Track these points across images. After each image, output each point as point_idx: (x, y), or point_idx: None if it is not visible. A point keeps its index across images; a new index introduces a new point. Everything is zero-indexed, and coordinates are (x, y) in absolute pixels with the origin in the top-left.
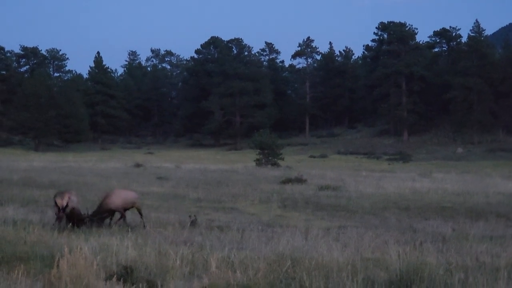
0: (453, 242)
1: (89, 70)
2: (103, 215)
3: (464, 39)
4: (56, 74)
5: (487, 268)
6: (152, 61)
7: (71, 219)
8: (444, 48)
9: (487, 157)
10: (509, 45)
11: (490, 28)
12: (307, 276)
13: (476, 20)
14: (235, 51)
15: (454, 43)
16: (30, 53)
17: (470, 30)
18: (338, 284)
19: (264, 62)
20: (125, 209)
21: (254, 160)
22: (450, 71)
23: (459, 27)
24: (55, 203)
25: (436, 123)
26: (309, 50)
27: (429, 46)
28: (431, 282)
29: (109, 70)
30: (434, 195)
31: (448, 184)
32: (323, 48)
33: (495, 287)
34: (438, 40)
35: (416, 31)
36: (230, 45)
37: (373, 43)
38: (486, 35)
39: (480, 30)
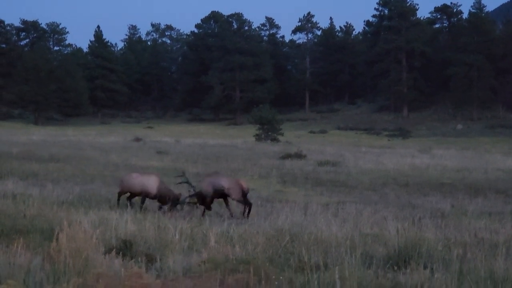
0: (452, 218)
1: (89, 44)
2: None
3: (465, 15)
4: (56, 48)
5: (486, 244)
6: (152, 35)
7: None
8: (445, 24)
9: (486, 133)
10: (510, 21)
11: (491, 4)
12: (305, 251)
13: None
14: (235, 26)
15: (455, 19)
16: (30, 26)
17: (471, 6)
18: (336, 259)
19: (264, 37)
20: (219, 196)
21: (254, 135)
22: (450, 47)
23: (460, 3)
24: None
25: (436, 99)
26: (309, 25)
27: (430, 22)
28: (429, 257)
29: (109, 44)
30: (433, 171)
31: (447, 160)
32: (324, 24)
33: (493, 263)
34: (439, 16)
35: (417, 7)
36: (230, 19)
37: (373, 19)
38: (487, 11)
39: (481, 6)
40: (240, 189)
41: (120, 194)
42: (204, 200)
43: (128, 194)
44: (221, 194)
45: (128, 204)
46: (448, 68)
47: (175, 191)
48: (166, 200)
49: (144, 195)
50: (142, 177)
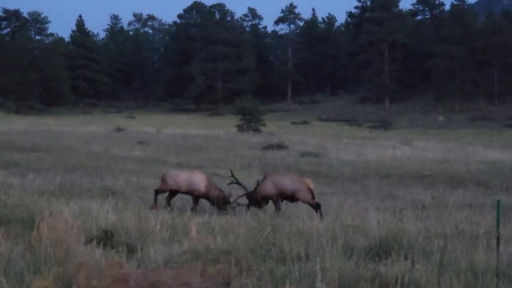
0: (433, 210)
1: (71, 34)
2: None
3: (447, 7)
4: (37, 37)
5: (466, 236)
6: (134, 25)
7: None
8: (427, 16)
9: (468, 125)
10: (492, 13)
11: None
12: (287, 241)
13: None
14: (217, 16)
15: (437, 11)
16: (11, 15)
17: None
18: (318, 250)
19: (247, 28)
20: (283, 198)
21: (236, 126)
22: (432, 39)
23: None
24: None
25: (418, 91)
26: (291, 16)
27: (412, 13)
28: (410, 248)
29: (91, 34)
30: (414, 163)
31: (428, 152)
32: (306, 15)
33: (473, 255)
34: (421, 8)
35: None
36: (213, 10)
37: (356, 10)
38: (469, 4)
39: None
40: (308, 190)
41: (159, 192)
42: (259, 201)
43: (167, 193)
44: (286, 196)
45: (167, 205)
46: (430, 60)
47: (225, 191)
48: (215, 199)
49: (192, 193)
50: (188, 173)
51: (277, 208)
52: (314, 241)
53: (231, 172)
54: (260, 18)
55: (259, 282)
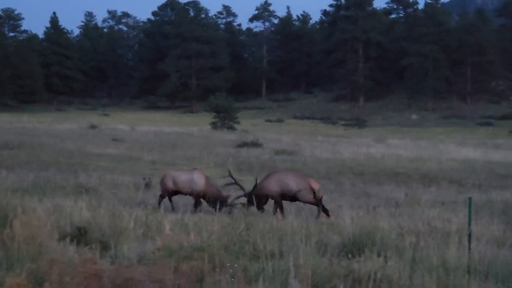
0: (406, 207)
1: (44, 31)
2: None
3: (421, 6)
4: (11, 34)
5: (439, 233)
6: (109, 22)
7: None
8: (401, 15)
9: (441, 123)
10: (465, 12)
11: None
12: (261, 239)
13: None
14: (192, 14)
15: (411, 9)
16: None
17: None
18: (291, 247)
19: (221, 25)
20: (286, 198)
21: (210, 124)
22: (406, 38)
23: None
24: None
25: (391, 89)
26: (266, 14)
27: (386, 12)
28: (383, 245)
29: (65, 31)
30: (388, 161)
31: (402, 150)
32: (281, 12)
33: (445, 252)
34: (395, 7)
35: None
36: (187, 7)
37: (330, 8)
38: (443, 3)
39: None
40: (312, 191)
41: (164, 196)
42: (260, 201)
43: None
44: (289, 196)
45: (171, 206)
46: (404, 58)
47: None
48: (212, 199)
49: (191, 193)
50: (187, 173)
51: (280, 209)
52: (288, 238)
53: (229, 172)
54: (234, 15)
55: (232, 279)
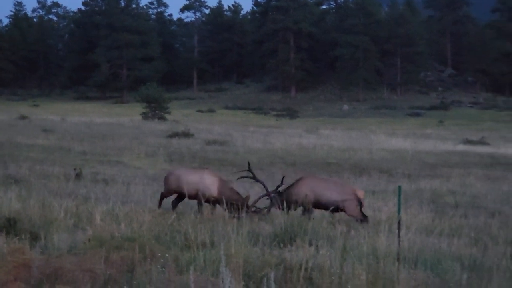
0: None
1: None
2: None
3: None
4: None
5: (369, 222)
6: (39, 12)
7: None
8: (332, 6)
9: (371, 114)
10: (395, 4)
11: None
12: (192, 229)
13: None
14: (122, 4)
15: (342, 0)
16: None
17: None
18: (223, 237)
19: (152, 16)
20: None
21: (141, 114)
22: (337, 29)
23: None
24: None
25: (323, 80)
26: (197, 4)
27: (317, 3)
28: (314, 234)
29: None
30: (320, 151)
31: (333, 140)
32: (212, 3)
33: (376, 240)
34: None
35: None
36: None
37: None
38: None
39: None
40: (358, 201)
41: (165, 196)
42: (287, 206)
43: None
44: (326, 208)
45: (173, 210)
46: (335, 49)
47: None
48: (229, 203)
49: (201, 198)
50: (196, 174)
51: (308, 216)
52: (220, 228)
53: (249, 166)
54: (165, 5)
55: (163, 269)
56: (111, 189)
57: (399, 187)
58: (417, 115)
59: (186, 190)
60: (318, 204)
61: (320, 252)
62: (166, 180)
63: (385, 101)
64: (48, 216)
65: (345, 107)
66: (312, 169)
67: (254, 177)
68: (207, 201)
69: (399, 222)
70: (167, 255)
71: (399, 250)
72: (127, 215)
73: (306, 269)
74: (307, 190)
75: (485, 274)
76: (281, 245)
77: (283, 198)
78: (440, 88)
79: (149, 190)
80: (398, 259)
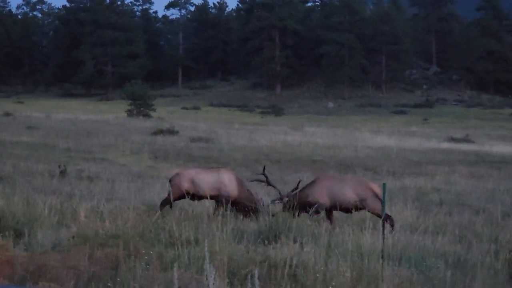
0: None
1: None
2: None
3: None
4: None
5: (354, 219)
6: (23, 9)
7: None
8: (317, 3)
9: (356, 112)
10: (380, 1)
11: None
12: (176, 226)
13: None
14: (107, 1)
15: None
16: None
17: None
18: (208, 234)
19: (137, 13)
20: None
21: (126, 111)
22: (322, 26)
23: None
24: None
25: (308, 77)
26: (182, 1)
27: (303, 0)
28: (299, 232)
29: None
30: (305, 148)
31: (318, 138)
32: (197, 0)
33: (360, 237)
34: None
35: None
36: None
37: None
38: None
39: None
40: (377, 197)
41: (174, 200)
42: (302, 209)
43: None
44: (345, 209)
45: (161, 211)
46: (320, 46)
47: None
48: (243, 205)
49: (219, 199)
50: (212, 173)
51: (330, 221)
52: (204, 225)
53: (263, 169)
54: (150, 2)
55: (147, 266)
56: (96, 186)
57: (384, 185)
58: (402, 112)
59: (203, 191)
60: (335, 206)
61: (305, 249)
62: (175, 181)
63: (370, 98)
64: (32, 213)
65: (330, 104)
66: (297, 166)
67: (267, 181)
68: (229, 202)
69: (383, 220)
70: (151, 252)
71: (384, 247)
72: (112, 212)
73: (290, 266)
74: (322, 191)
75: (469, 271)
76: (266, 242)
77: (298, 201)
78: (425, 86)
79: (133, 187)
80: (382, 256)
